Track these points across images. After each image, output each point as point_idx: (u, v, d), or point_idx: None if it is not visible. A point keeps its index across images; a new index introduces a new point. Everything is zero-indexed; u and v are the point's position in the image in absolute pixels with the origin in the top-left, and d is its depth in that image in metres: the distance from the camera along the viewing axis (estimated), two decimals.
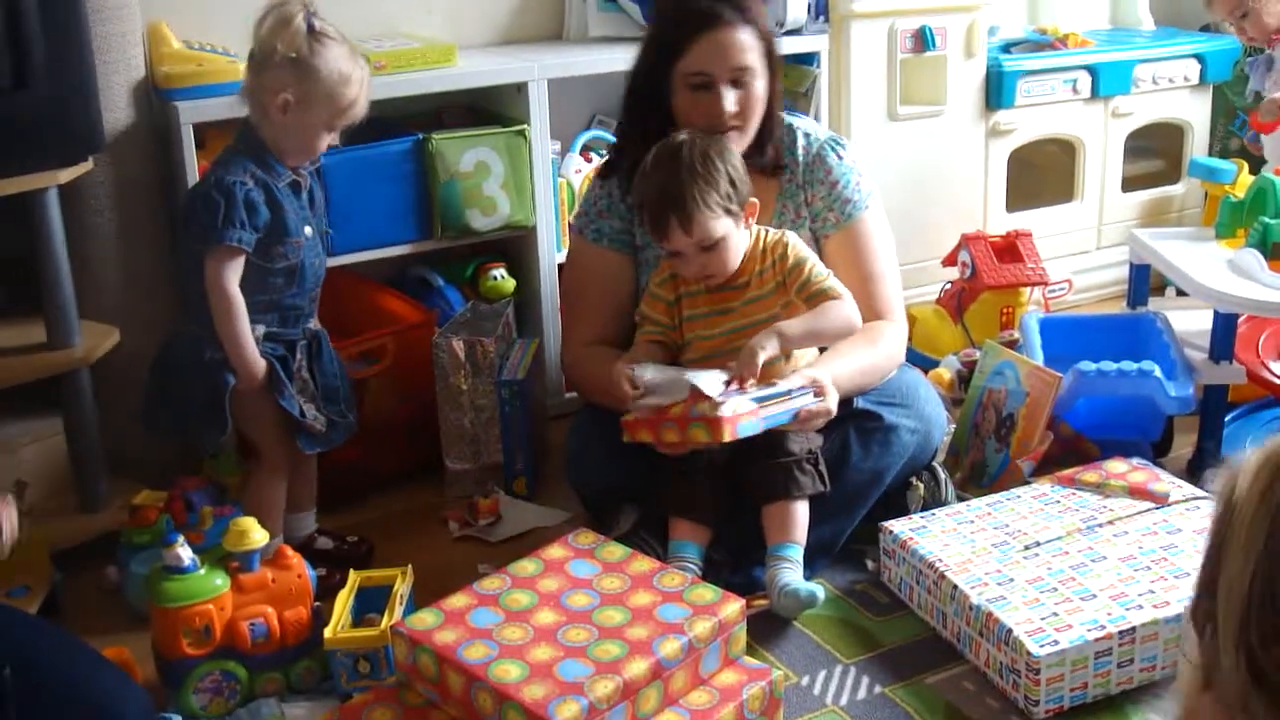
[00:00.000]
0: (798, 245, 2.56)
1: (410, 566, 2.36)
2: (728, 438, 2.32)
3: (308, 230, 2.52)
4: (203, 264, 2.41)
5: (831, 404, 2.44)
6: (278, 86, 2.42)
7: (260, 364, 2.46)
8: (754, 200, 2.52)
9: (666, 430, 2.39)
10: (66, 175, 2.58)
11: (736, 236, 2.50)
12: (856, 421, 2.58)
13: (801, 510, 2.46)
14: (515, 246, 3.32)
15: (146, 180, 2.86)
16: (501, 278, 3.30)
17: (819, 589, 2.37)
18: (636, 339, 2.63)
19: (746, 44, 2.57)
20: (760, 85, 2.60)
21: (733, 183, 2.47)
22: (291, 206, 2.49)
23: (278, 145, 2.48)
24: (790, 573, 2.40)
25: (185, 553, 2.19)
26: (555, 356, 3.31)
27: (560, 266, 3.26)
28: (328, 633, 2.18)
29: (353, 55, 2.48)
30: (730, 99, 2.56)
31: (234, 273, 2.41)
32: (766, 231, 2.58)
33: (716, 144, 2.50)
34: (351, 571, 2.36)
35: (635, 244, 2.73)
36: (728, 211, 2.46)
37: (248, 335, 2.44)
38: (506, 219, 3.15)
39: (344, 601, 2.27)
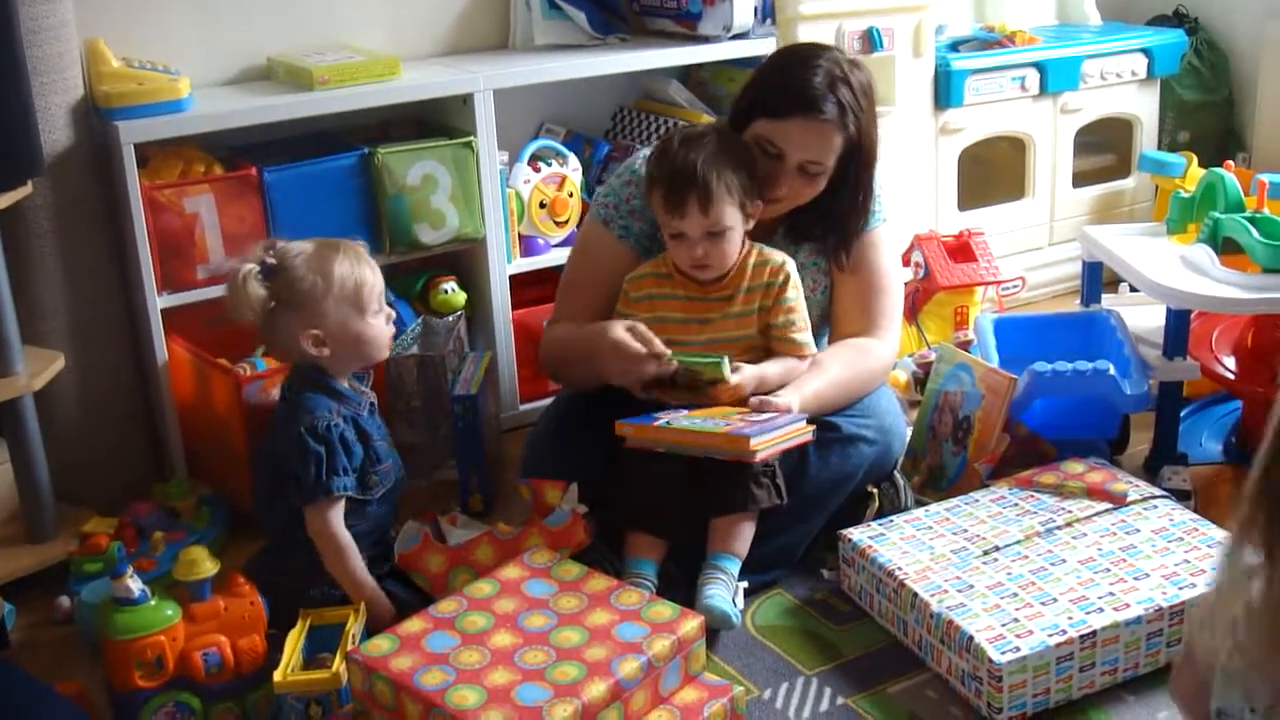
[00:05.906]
0: (797, 284, 2.59)
1: (363, 605, 2.28)
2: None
3: (385, 446, 2.46)
4: (300, 511, 2.33)
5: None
6: (296, 330, 2.34)
7: (385, 601, 2.38)
8: (760, 203, 2.54)
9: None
10: (6, 199, 2.53)
11: (739, 232, 2.52)
12: (815, 431, 2.56)
13: (749, 525, 2.46)
14: (465, 259, 3.29)
15: (89, 202, 2.80)
16: (452, 291, 3.26)
17: (736, 615, 2.35)
18: None
19: (831, 145, 2.56)
20: (822, 181, 2.59)
21: (750, 177, 2.50)
22: (377, 432, 2.44)
23: (341, 368, 2.40)
24: (721, 585, 2.38)
25: (135, 584, 2.15)
26: (509, 369, 3.29)
27: (511, 277, 3.25)
28: (277, 676, 2.08)
29: (324, 251, 2.37)
30: (789, 183, 2.57)
31: (339, 516, 2.34)
32: (761, 249, 2.58)
33: (741, 139, 2.54)
34: (301, 611, 2.25)
35: (650, 250, 2.69)
36: (742, 205, 2.49)
37: (365, 575, 2.36)
38: (456, 232, 3.12)
39: (294, 642, 2.17)
